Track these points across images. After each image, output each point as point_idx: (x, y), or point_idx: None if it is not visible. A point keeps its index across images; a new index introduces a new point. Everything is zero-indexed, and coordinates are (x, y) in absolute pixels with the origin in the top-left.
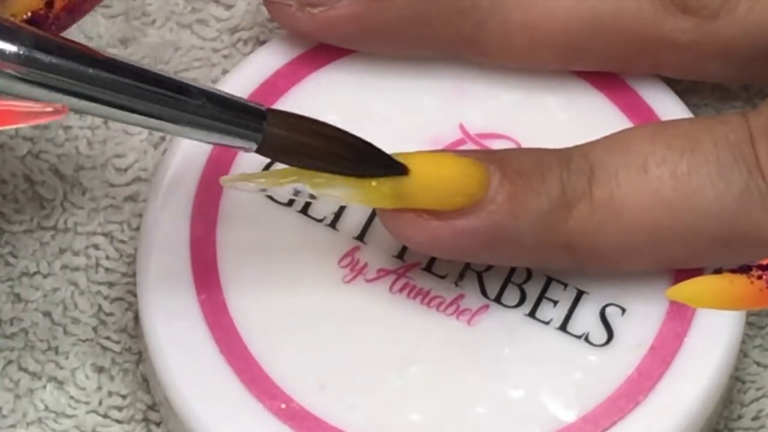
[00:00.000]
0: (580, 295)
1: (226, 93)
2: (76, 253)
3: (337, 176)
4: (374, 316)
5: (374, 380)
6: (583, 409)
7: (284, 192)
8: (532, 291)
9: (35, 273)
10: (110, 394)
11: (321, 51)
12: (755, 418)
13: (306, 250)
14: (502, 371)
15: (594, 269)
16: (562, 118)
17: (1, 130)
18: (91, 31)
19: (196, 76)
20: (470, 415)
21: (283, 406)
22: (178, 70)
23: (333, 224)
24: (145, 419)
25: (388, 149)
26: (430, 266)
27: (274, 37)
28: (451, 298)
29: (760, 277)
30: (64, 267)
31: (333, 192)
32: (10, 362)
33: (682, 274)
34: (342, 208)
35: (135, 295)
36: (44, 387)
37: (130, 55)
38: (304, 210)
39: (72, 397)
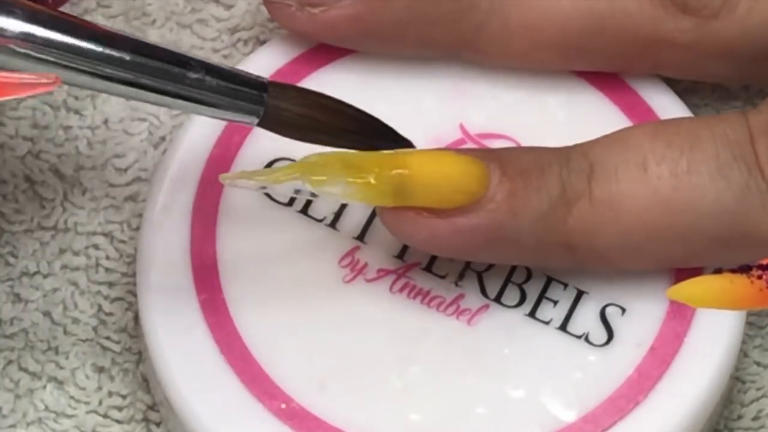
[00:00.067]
0: (580, 295)
1: (226, 65)
2: (76, 253)
3: (337, 173)
4: (374, 316)
5: (374, 380)
6: (583, 409)
7: (284, 190)
8: (532, 291)
9: (35, 273)
10: (110, 394)
11: (321, 51)
12: (755, 418)
13: (306, 250)
14: (502, 371)
15: (594, 268)
16: (561, 117)
17: (1, 131)
18: None
19: None
20: (470, 415)
21: (283, 406)
22: None
23: (333, 224)
24: (145, 419)
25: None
26: (430, 266)
27: (274, 37)
28: (451, 298)
29: (760, 277)
30: (64, 267)
31: (333, 190)
32: (10, 362)
33: (682, 273)
34: (342, 208)
35: (135, 295)
36: (44, 387)
37: None
38: (304, 210)
39: (72, 397)
